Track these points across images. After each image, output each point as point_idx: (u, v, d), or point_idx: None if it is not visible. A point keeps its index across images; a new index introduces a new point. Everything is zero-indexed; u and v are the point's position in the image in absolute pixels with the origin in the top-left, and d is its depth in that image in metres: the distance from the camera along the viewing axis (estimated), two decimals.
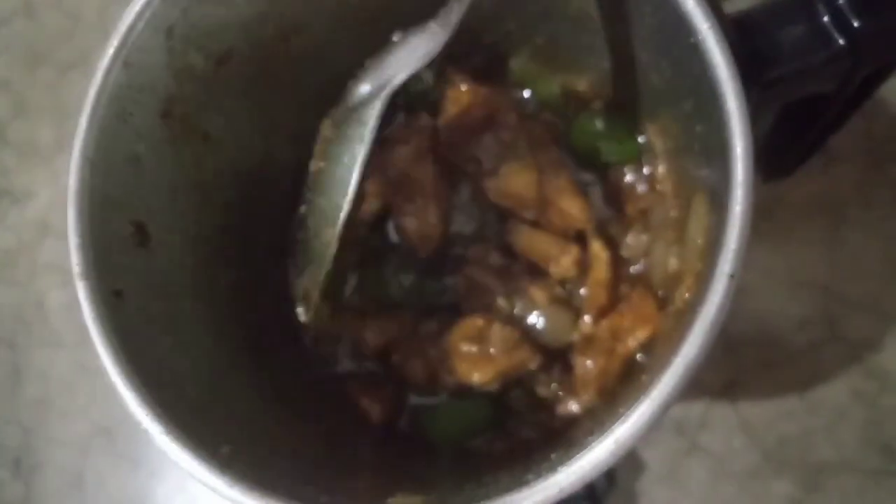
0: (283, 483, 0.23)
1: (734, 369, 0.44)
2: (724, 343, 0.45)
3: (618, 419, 0.23)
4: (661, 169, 0.32)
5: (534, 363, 0.33)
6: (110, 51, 0.25)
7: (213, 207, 0.31)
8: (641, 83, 0.30)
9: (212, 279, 0.30)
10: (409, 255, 0.36)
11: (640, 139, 0.34)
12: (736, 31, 0.25)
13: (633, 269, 0.34)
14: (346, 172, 0.28)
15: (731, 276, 0.22)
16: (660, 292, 0.33)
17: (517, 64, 0.37)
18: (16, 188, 0.54)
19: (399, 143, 0.35)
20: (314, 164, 0.30)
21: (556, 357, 0.33)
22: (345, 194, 0.28)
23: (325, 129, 0.30)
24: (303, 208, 0.31)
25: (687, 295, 0.26)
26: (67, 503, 0.49)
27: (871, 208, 0.44)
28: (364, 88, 0.28)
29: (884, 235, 0.44)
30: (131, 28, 0.25)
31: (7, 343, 0.52)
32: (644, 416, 0.22)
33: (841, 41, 0.25)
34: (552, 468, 0.22)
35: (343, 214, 0.28)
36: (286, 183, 0.35)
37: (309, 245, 0.30)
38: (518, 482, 0.22)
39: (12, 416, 0.51)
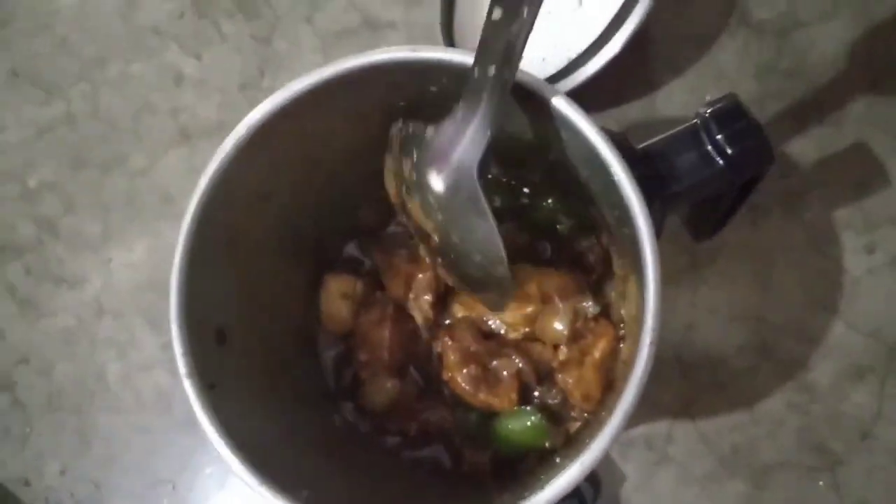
0: None
1: (691, 390, 0.53)
2: (681, 370, 0.54)
3: (584, 448, 0.32)
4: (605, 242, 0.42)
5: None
6: (192, 206, 0.34)
7: (270, 308, 0.41)
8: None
9: (277, 364, 0.40)
10: None
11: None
12: (643, 160, 0.34)
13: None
14: (479, 237, 0.34)
15: (651, 344, 0.31)
16: (620, 327, 0.42)
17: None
18: (69, 276, 0.63)
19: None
20: (437, 239, 0.37)
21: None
22: (495, 248, 0.33)
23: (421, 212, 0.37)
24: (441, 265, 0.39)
25: (628, 351, 0.35)
26: None
27: (791, 250, 0.54)
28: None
29: (803, 271, 0.53)
30: (201, 198, 0.34)
31: (74, 410, 0.60)
32: (600, 445, 0.31)
33: (720, 162, 0.35)
34: (542, 486, 0.32)
35: (504, 254, 0.33)
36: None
37: (480, 281, 0.37)
38: (518, 498, 0.32)
39: (83, 474, 0.59)
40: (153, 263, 0.61)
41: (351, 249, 0.49)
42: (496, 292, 0.37)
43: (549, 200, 0.44)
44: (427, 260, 0.43)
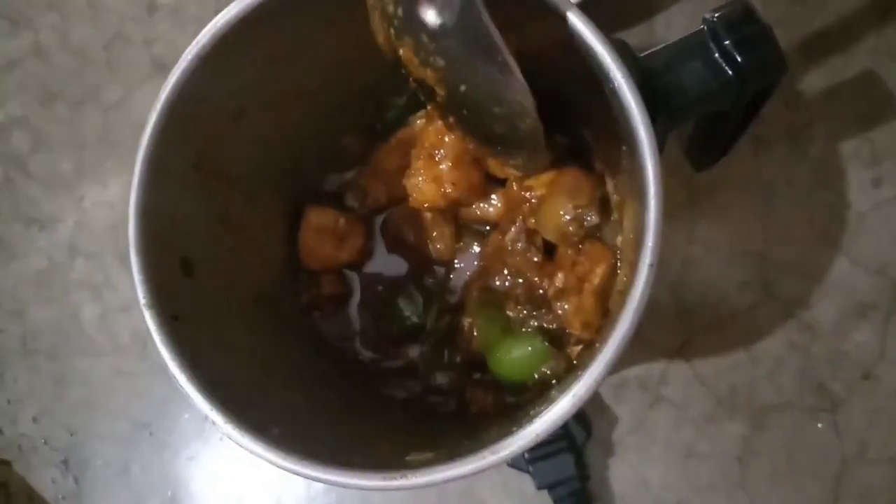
0: (323, 453, 0.30)
1: (687, 331, 0.51)
2: (676, 309, 0.52)
3: (576, 380, 0.30)
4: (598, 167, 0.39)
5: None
6: (151, 120, 0.31)
7: (244, 240, 0.38)
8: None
9: (251, 299, 0.37)
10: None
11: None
12: (645, 70, 0.31)
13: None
14: (494, 83, 0.30)
15: (651, 266, 0.28)
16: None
17: None
18: (43, 215, 0.60)
19: None
20: (443, 92, 0.32)
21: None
22: (517, 95, 0.29)
23: (426, 74, 0.31)
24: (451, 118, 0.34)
25: (625, 279, 0.33)
26: (115, 493, 0.56)
27: (795, 185, 0.51)
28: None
29: (807, 207, 0.51)
30: (162, 113, 0.31)
31: (49, 354, 0.58)
32: (593, 376, 0.29)
33: (729, 72, 0.32)
34: (531, 420, 0.29)
35: (533, 104, 0.30)
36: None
37: (505, 138, 0.33)
38: (505, 433, 0.29)
39: (59, 420, 0.57)
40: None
41: (333, 181, 0.47)
42: (527, 149, 0.33)
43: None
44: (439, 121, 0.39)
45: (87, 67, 0.61)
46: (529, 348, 0.40)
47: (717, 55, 0.32)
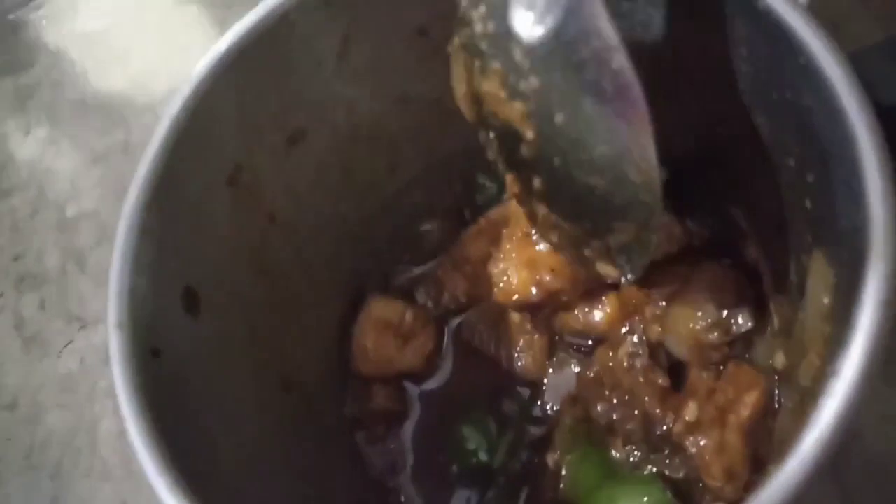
0: None
1: None
2: (843, 497, 0.38)
3: None
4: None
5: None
6: (179, 97, 0.24)
7: (274, 292, 0.30)
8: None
9: (263, 362, 0.28)
10: None
11: None
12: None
13: None
14: (600, 108, 0.23)
15: (887, 303, 0.18)
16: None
17: None
18: (87, 314, 0.54)
19: None
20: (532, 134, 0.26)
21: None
22: (640, 120, 0.22)
23: (514, 109, 0.26)
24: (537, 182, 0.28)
25: (817, 362, 0.22)
26: None
27: None
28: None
29: None
30: (201, 77, 0.25)
31: (52, 472, 0.49)
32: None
33: None
34: None
35: (651, 138, 0.22)
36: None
37: (604, 210, 0.26)
38: None
39: None
40: None
41: (405, 274, 0.38)
42: (636, 221, 0.25)
43: None
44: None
45: None
46: (645, 499, 0.29)
47: None
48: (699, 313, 0.30)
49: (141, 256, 0.23)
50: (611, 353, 0.33)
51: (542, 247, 0.33)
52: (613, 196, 0.25)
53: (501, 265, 0.33)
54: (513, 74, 0.26)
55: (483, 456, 0.34)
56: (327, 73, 0.28)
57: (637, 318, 0.32)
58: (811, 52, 0.20)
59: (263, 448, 0.28)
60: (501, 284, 0.33)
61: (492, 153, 0.31)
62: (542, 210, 0.30)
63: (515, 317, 0.35)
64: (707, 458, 0.28)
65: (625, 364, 0.32)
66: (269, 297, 0.29)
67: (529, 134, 0.26)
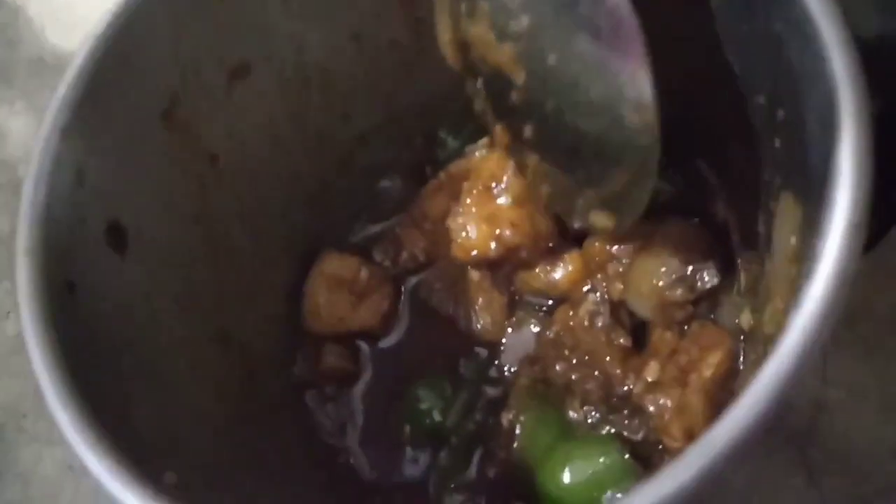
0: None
1: (820, 502, 0.36)
2: (807, 471, 0.37)
3: None
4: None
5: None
6: (108, 14, 0.23)
7: (212, 242, 0.28)
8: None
9: (199, 317, 0.26)
10: None
11: None
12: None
13: None
14: (596, 47, 0.22)
15: (856, 226, 0.17)
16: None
17: None
18: None
19: None
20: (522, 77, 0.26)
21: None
22: (637, 58, 0.22)
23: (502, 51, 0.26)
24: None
25: (781, 305, 0.21)
26: None
27: None
28: None
29: None
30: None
31: None
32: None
33: None
34: None
35: (650, 79, 0.22)
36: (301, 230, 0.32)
37: (606, 144, 0.25)
38: None
39: None
40: None
41: (361, 232, 0.37)
42: (631, 168, 0.24)
43: None
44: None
45: None
46: (602, 459, 0.27)
47: None
48: (663, 269, 0.29)
49: (58, 184, 0.22)
50: (571, 313, 0.31)
51: (502, 200, 0.31)
52: (609, 140, 0.24)
53: (460, 220, 0.32)
54: (502, 14, 0.25)
55: (436, 416, 0.32)
56: (273, 1, 0.26)
57: (599, 276, 0.31)
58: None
59: (195, 405, 0.26)
60: (459, 240, 0.32)
61: (479, 103, 0.30)
62: (533, 160, 0.29)
63: (474, 275, 0.33)
64: (667, 417, 0.27)
65: (585, 323, 0.31)
66: (206, 247, 0.28)
67: (520, 78, 0.26)
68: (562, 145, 0.27)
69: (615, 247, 0.31)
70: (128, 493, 0.17)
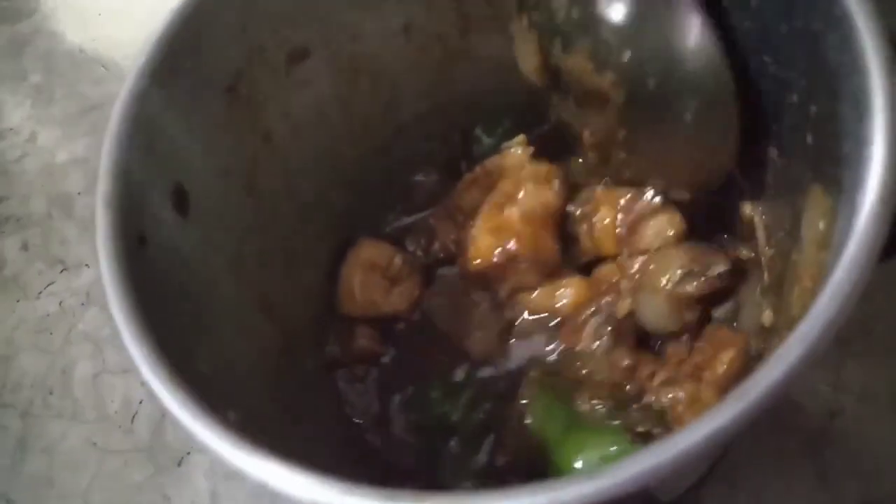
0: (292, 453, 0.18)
1: None
2: (818, 474, 0.38)
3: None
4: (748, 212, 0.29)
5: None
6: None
7: (261, 214, 0.29)
8: None
9: (247, 283, 0.28)
10: None
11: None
12: None
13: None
14: (693, 57, 0.25)
15: (886, 202, 0.18)
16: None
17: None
18: (70, 257, 0.53)
19: None
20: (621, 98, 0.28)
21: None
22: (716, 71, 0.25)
23: None
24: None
25: (810, 285, 0.22)
26: None
27: None
28: None
29: None
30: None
31: (21, 412, 0.49)
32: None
33: None
34: None
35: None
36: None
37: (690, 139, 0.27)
38: None
39: (5, 493, 0.46)
40: None
41: (396, 223, 0.38)
42: (713, 141, 0.27)
43: None
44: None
45: None
46: (613, 448, 0.28)
47: None
48: (675, 266, 0.30)
49: (133, 145, 0.23)
50: (573, 337, 0.32)
51: (509, 211, 0.33)
52: (695, 130, 0.27)
53: (473, 231, 0.33)
54: (603, 50, 0.27)
55: (446, 406, 0.33)
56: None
57: (608, 298, 0.32)
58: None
59: (243, 363, 0.27)
60: (469, 252, 0.33)
61: (566, 115, 0.32)
62: (619, 156, 0.31)
63: (476, 296, 0.35)
64: (680, 409, 0.28)
65: (589, 348, 0.32)
66: (257, 218, 0.29)
67: (620, 97, 0.28)
68: (653, 141, 0.29)
69: (635, 260, 0.32)
70: (197, 423, 0.18)
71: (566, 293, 0.33)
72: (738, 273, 0.30)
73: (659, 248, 0.31)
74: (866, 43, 0.19)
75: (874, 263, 0.18)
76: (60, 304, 0.52)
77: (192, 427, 0.18)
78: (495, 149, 0.37)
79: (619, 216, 0.31)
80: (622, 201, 0.31)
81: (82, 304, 0.51)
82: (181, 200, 0.24)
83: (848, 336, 0.40)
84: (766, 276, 0.30)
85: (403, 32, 0.31)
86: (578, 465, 0.29)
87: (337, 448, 0.33)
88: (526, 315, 0.34)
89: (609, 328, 0.32)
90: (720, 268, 0.29)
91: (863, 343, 0.40)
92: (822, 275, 0.21)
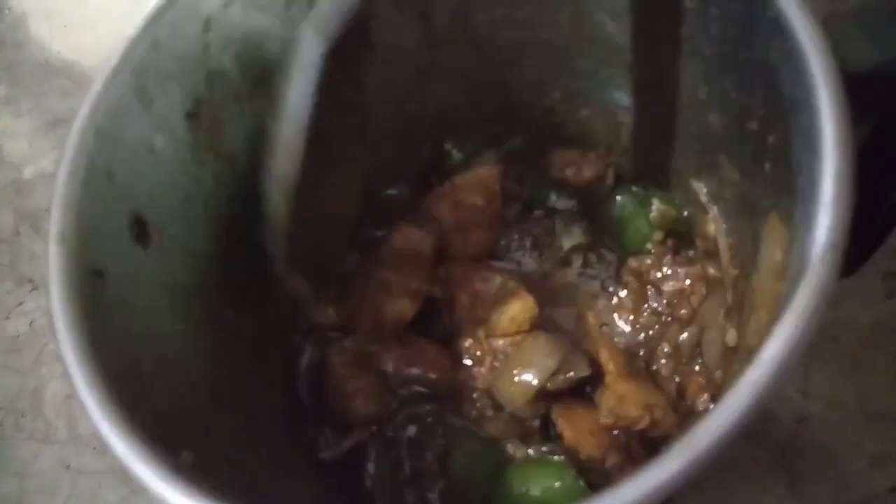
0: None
1: None
2: (789, 478, 0.39)
3: None
4: (711, 229, 0.30)
5: None
6: (141, 23, 0.24)
7: (227, 234, 0.29)
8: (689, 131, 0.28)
9: (207, 299, 0.27)
10: None
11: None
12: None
13: None
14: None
15: (835, 247, 0.18)
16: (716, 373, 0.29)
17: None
18: (39, 277, 0.53)
19: None
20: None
21: None
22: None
23: None
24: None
25: (765, 318, 0.22)
26: None
27: None
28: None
29: None
30: (168, 4, 0.24)
31: None
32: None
33: None
34: None
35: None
36: None
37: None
38: None
39: None
40: None
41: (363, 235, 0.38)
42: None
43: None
44: None
45: None
46: (557, 484, 0.28)
47: None
48: (535, 362, 0.30)
49: (89, 178, 0.23)
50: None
51: None
52: None
53: None
54: None
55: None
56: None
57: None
58: (780, 7, 0.20)
59: (201, 400, 0.26)
60: None
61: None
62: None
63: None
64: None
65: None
66: (218, 246, 0.29)
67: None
68: None
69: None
70: (148, 470, 0.18)
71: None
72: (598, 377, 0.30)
73: (516, 333, 0.31)
74: (818, 80, 0.19)
75: (825, 305, 0.18)
76: (31, 323, 0.51)
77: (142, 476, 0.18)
78: (465, 163, 0.37)
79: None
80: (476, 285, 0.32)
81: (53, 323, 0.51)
82: (141, 232, 0.24)
83: (817, 341, 0.41)
84: (729, 296, 0.30)
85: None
86: (524, 496, 0.28)
87: (303, 483, 0.32)
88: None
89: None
90: (582, 372, 0.29)
91: (832, 350, 0.41)
92: (777, 307, 0.21)
